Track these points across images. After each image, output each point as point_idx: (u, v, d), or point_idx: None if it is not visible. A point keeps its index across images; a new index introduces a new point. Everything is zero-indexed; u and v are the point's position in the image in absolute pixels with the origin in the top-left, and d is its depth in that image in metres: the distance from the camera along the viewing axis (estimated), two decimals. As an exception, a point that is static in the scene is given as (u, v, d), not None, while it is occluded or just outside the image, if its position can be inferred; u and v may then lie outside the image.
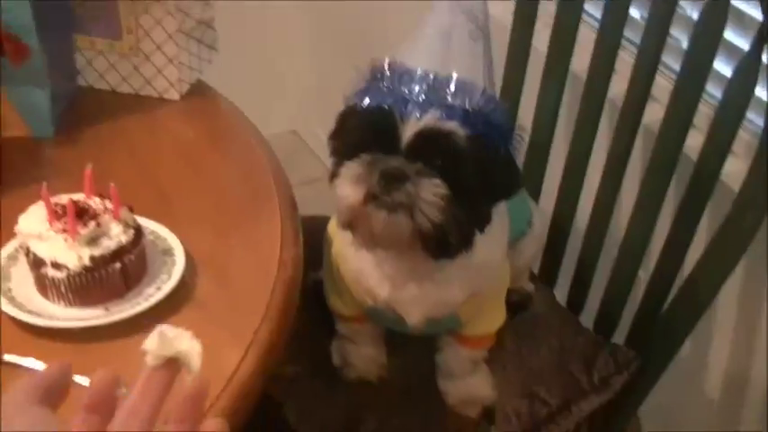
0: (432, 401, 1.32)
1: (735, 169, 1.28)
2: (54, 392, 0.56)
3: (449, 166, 1.04)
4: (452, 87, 1.06)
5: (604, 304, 1.44)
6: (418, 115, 1.04)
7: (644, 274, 1.37)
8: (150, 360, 0.56)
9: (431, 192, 1.02)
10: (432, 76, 1.07)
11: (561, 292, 1.53)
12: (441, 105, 1.05)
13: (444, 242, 1.05)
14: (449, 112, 1.04)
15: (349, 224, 1.08)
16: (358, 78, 1.12)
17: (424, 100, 1.06)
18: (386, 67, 1.10)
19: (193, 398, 0.56)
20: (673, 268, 1.30)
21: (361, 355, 1.35)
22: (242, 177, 1.28)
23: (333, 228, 1.26)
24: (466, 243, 1.08)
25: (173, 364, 0.56)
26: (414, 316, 1.19)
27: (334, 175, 1.09)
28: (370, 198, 1.03)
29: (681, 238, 1.28)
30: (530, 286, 1.49)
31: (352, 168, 1.05)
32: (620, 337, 1.42)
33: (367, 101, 1.09)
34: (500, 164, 1.09)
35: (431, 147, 1.04)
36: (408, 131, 1.04)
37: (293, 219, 1.19)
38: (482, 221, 1.10)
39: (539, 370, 1.36)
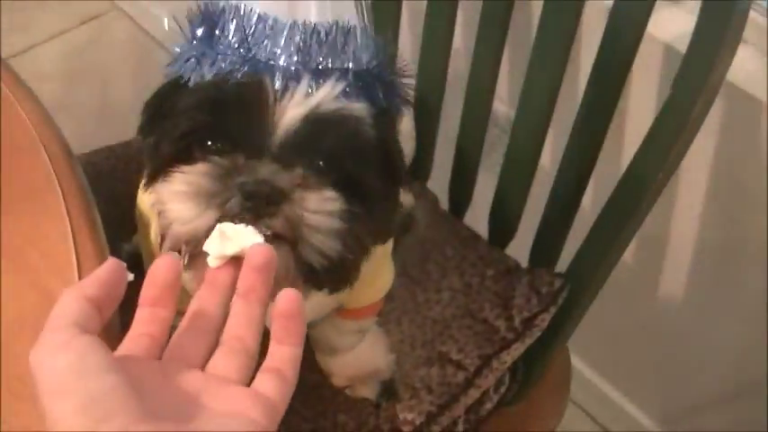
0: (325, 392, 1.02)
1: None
2: (102, 303, 0.52)
3: (346, 167, 0.71)
4: (335, 39, 0.72)
5: (503, 211, 1.14)
6: (300, 91, 0.70)
7: (550, 167, 1.08)
8: (212, 261, 0.59)
9: (322, 213, 0.69)
10: (301, 26, 0.72)
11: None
12: (328, 72, 0.72)
13: (340, 274, 0.73)
14: (343, 82, 0.72)
15: (186, 260, 0.71)
16: (179, 32, 0.76)
17: (297, 64, 0.71)
18: (227, 13, 0.74)
19: (260, 268, 0.56)
20: (586, 162, 1.01)
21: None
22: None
23: (145, 204, 0.91)
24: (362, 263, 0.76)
25: (235, 262, 0.58)
26: None
27: (153, 181, 0.74)
28: None
29: (593, 121, 0.99)
30: (408, 199, 1.17)
31: (192, 178, 0.69)
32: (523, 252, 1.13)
33: (206, 68, 0.73)
34: (397, 144, 0.78)
35: (321, 141, 0.70)
36: (285, 118, 0.70)
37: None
38: (387, 230, 0.79)
39: (443, 321, 1.05)
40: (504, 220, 1.14)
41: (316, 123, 0.70)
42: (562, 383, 1.15)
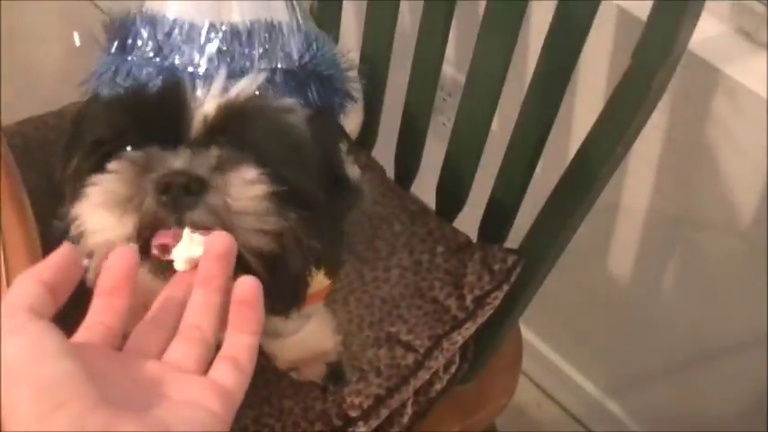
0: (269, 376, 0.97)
1: None
2: (57, 288, 0.51)
3: (273, 162, 0.66)
4: (258, 38, 0.68)
5: (451, 181, 1.09)
6: (217, 83, 0.67)
7: (502, 135, 1.03)
8: (180, 265, 0.59)
9: (247, 195, 0.64)
10: (220, 28, 0.68)
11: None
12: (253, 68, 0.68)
13: (286, 282, 0.69)
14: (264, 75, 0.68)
15: None
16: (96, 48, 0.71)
17: (219, 69, 0.68)
18: (139, 21, 0.69)
19: (220, 256, 0.56)
20: (540, 131, 0.97)
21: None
22: None
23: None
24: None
25: None
26: None
27: (72, 200, 0.68)
28: (147, 232, 0.63)
29: (548, 88, 0.94)
30: (355, 171, 1.12)
31: (105, 186, 0.64)
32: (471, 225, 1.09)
33: (120, 79, 0.69)
34: (337, 150, 0.74)
35: (241, 130, 0.66)
36: (201, 109, 0.66)
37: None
38: (335, 252, 0.74)
39: (392, 300, 1.01)
40: (452, 190, 1.10)
41: (234, 112, 0.66)
42: (514, 361, 1.12)
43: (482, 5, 0.97)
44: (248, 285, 0.55)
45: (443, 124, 1.44)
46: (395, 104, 1.15)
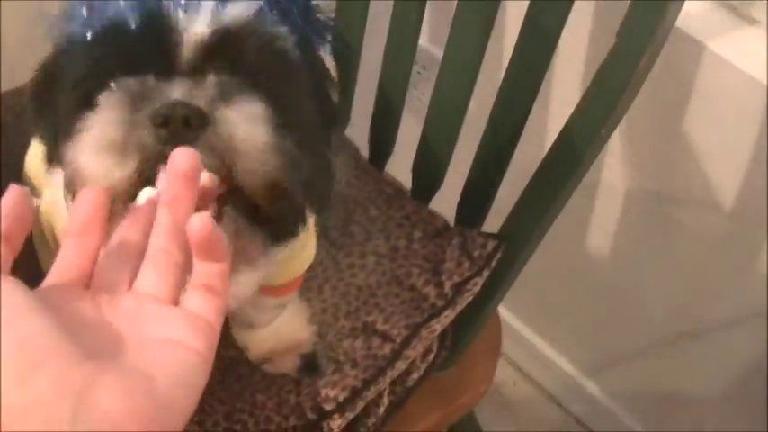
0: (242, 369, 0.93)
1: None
2: (12, 236, 0.48)
3: (269, 83, 0.63)
4: None
5: (428, 161, 1.05)
6: (206, 7, 0.63)
7: (479, 113, 1.00)
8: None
9: (249, 125, 0.60)
10: None
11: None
12: None
13: (287, 211, 0.65)
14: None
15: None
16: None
17: None
18: None
19: (185, 173, 0.52)
20: (520, 110, 0.93)
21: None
22: None
23: (34, 169, 0.80)
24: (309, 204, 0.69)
25: None
26: None
27: (54, 146, 0.66)
28: (147, 171, 0.59)
29: (529, 65, 0.91)
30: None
31: (98, 126, 0.60)
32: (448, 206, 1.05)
33: (96, 18, 0.64)
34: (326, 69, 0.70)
35: (237, 55, 0.63)
36: (193, 33, 0.62)
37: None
38: (327, 170, 0.71)
39: (368, 289, 0.97)
40: (429, 169, 1.06)
41: (228, 37, 0.62)
42: (493, 346, 1.09)
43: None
44: (201, 223, 0.50)
45: (418, 99, 1.40)
46: (368, 81, 1.11)
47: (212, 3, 0.62)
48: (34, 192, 0.81)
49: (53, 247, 0.80)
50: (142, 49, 0.62)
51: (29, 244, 0.81)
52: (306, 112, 0.67)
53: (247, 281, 0.73)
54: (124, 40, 0.62)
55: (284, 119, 0.62)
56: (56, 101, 0.66)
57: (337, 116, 0.73)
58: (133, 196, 0.58)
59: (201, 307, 0.51)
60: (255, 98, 0.61)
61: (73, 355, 0.45)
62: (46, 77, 0.68)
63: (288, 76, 0.65)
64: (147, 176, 0.59)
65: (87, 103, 0.61)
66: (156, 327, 0.49)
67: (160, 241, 0.52)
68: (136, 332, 0.49)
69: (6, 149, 0.93)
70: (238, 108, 0.60)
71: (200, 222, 0.49)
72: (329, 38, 0.78)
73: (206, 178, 0.58)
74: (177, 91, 0.60)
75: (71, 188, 0.62)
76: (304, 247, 0.84)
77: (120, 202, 0.59)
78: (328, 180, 0.74)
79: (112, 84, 0.61)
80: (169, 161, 0.53)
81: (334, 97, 0.73)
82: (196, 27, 0.62)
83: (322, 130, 0.71)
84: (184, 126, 0.58)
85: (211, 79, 0.61)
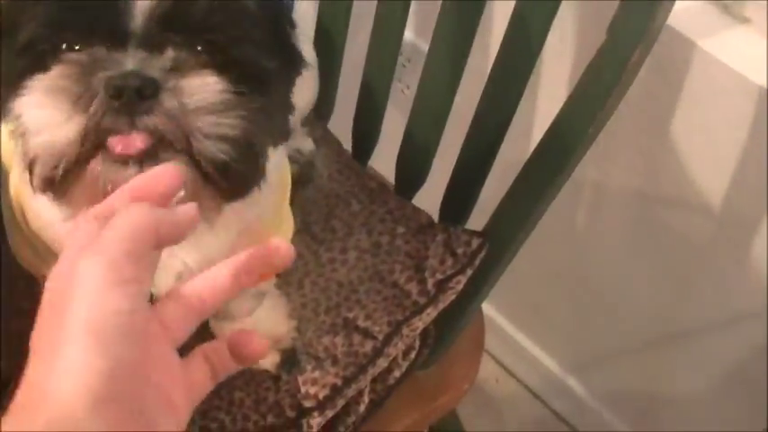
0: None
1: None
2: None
3: (225, 43, 0.62)
4: None
5: (412, 156, 1.04)
6: None
7: (465, 108, 0.98)
8: None
9: (204, 95, 0.59)
10: None
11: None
12: None
13: (238, 174, 0.62)
14: None
15: (53, 185, 0.61)
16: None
17: None
18: None
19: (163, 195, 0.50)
20: (507, 104, 0.92)
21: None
22: None
23: (5, 149, 0.77)
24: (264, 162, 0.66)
25: None
26: (166, 281, 0.73)
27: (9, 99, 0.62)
28: (95, 137, 0.58)
29: (516, 59, 0.89)
30: (308, 145, 1.06)
31: (48, 83, 0.59)
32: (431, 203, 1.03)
33: None
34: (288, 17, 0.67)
35: (190, 15, 0.61)
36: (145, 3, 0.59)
37: None
38: (284, 127, 0.69)
39: (349, 284, 0.95)
40: (413, 164, 1.04)
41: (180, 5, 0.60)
42: (476, 345, 1.07)
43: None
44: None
45: (402, 92, 1.39)
46: (352, 74, 1.09)
47: None
48: (5, 170, 0.79)
49: (23, 228, 0.78)
50: (96, 13, 0.60)
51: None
52: (262, 57, 0.65)
53: (213, 243, 0.73)
54: (73, 5, 0.60)
55: (240, 77, 0.61)
56: (5, 55, 0.64)
57: (299, 61, 0.71)
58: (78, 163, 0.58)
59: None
60: (209, 63, 0.60)
61: (137, 401, 0.44)
62: None
63: (241, 25, 0.63)
64: (92, 144, 0.58)
65: (38, 65, 0.60)
66: (160, 371, 0.48)
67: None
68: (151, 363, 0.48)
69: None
70: (192, 79, 0.59)
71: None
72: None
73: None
74: (131, 61, 0.59)
75: (20, 144, 0.61)
76: (276, 229, 0.82)
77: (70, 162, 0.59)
78: (287, 120, 0.72)
79: (64, 53, 0.60)
80: (151, 176, 0.51)
81: (298, 43, 0.71)
82: None
83: (281, 69, 0.68)
84: (138, 96, 0.57)
85: (168, 52, 0.60)
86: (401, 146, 1.05)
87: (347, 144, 1.11)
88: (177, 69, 0.60)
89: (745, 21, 1.01)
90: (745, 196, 1.07)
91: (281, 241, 0.53)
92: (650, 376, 1.38)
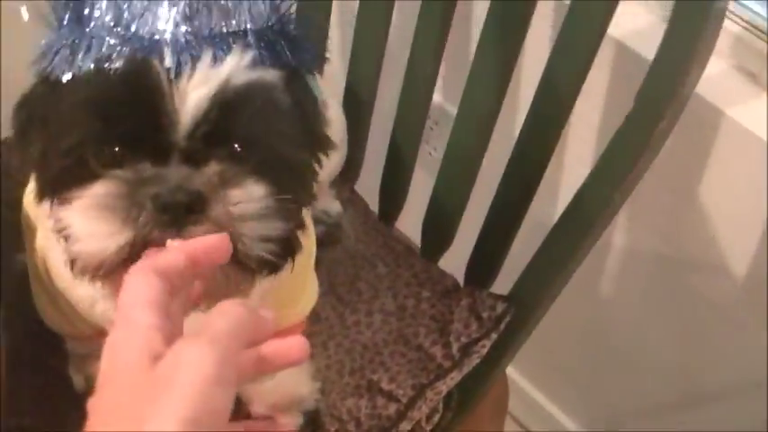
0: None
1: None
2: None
3: (265, 145, 0.63)
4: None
5: (439, 218, 1.04)
6: (202, 65, 0.61)
7: (492, 172, 0.98)
8: None
9: (251, 207, 0.60)
10: None
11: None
12: (224, 37, 0.63)
13: (276, 264, 0.64)
14: (251, 49, 0.63)
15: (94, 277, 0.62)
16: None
17: (187, 35, 0.61)
18: None
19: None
20: (534, 169, 0.92)
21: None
22: None
23: (32, 206, 0.78)
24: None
25: None
26: None
27: (44, 197, 0.65)
28: (141, 245, 0.59)
29: (544, 124, 0.90)
30: (335, 207, 1.06)
31: (96, 200, 0.60)
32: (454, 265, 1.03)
33: (80, 57, 0.62)
34: (315, 106, 0.69)
35: (234, 123, 0.61)
36: (189, 102, 0.59)
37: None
38: (309, 197, 0.70)
39: (374, 347, 0.95)
40: (439, 227, 1.05)
41: (226, 103, 0.60)
42: (500, 408, 1.07)
43: (475, 30, 0.92)
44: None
45: (430, 154, 1.39)
46: (380, 136, 1.10)
47: (207, 61, 0.61)
48: (31, 229, 0.80)
49: (46, 283, 0.79)
50: (138, 129, 0.60)
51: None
52: (297, 154, 0.67)
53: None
54: (114, 110, 0.61)
55: (276, 171, 0.63)
56: (46, 148, 0.65)
57: (326, 142, 0.72)
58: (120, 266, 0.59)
59: None
60: (249, 173, 0.61)
61: None
62: (29, 113, 0.67)
63: (278, 131, 0.64)
64: (137, 251, 0.59)
65: (81, 173, 0.61)
66: None
67: None
68: None
69: (8, 187, 0.93)
70: (235, 190, 0.60)
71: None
72: (319, 66, 0.77)
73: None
74: (176, 176, 0.60)
75: (70, 251, 0.61)
76: (302, 293, 0.82)
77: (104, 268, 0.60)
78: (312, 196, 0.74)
79: (109, 168, 0.60)
80: (209, 244, 0.55)
81: (323, 122, 0.73)
82: (189, 97, 0.60)
83: (311, 156, 0.70)
84: (185, 210, 0.59)
85: (213, 166, 0.61)
86: (428, 208, 1.05)
87: (374, 206, 1.11)
88: (221, 179, 0.61)
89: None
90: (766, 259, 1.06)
91: (296, 339, 0.53)
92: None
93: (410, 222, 1.11)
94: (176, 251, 0.53)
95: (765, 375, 1.14)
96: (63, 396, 0.91)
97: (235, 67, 0.61)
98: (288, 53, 0.67)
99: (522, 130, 0.92)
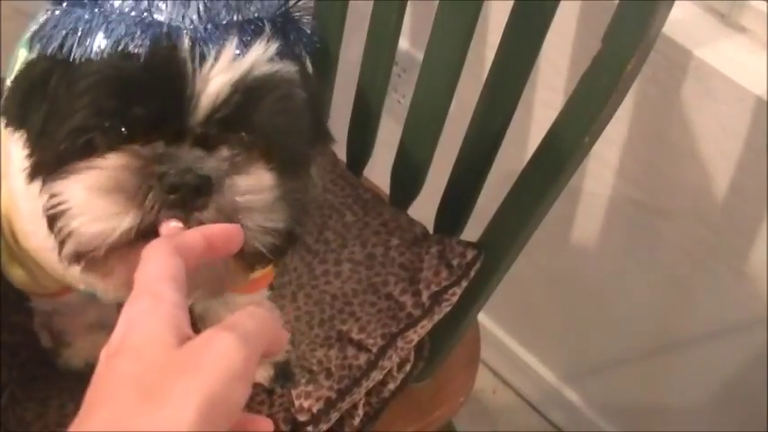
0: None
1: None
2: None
3: (278, 138, 0.63)
4: None
5: (407, 166, 1.03)
6: (226, 54, 0.61)
7: (460, 117, 0.96)
8: None
9: (257, 196, 0.61)
10: None
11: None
12: (242, 27, 0.63)
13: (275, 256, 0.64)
14: (275, 40, 0.64)
15: (87, 260, 0.61)
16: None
17: (205, 23, 0.62)
18: None
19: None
20: (503, 114, 0.91)
21: (86, 326, 0.89)
22: None
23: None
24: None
25: None
26: None
27: (41, 174, 0.64)
28: (147, 226, 0.59)
29: (512, 67, 0.88)
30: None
31: (106, 173, 0.59)
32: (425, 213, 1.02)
33: (99, 39, 0.61)
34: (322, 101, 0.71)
35: (251, 113, 0.62)
36: (210, 88, 0.59)
37: None
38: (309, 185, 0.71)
39: (343, 297, 0.94)
40: (408, 175, 1.03)
41: (247, 92, 0.60)
42: (471, 357, 1.06)
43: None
44: None
45: (398, 102, 1.38)
46: (346, 84, 1.08)
47: (232, 50, 0.60)
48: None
49: (10, 243, 0.77)
50: (153, 103, 0.60)
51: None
52: (306, 150, 0.68)
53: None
54: (133, 90, 0.60)
55: (287, 170, 0.63)
56: (50, 126, 0.63)
57: (327, 137, 0.74)
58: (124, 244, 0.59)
59: None
60: (259, 162, 0.62)
61: None
62: (31, 88, 0.65)
63: (292, 125, 0.64)
64: (142, 232, 0.59)
65: (87, 149, 0.60)
66: None
67: None
68: None
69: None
70: (245, 178, 0.61)
71: None
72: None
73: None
74: (188, 158, 0.59)
75: (55, 221, 0.61)
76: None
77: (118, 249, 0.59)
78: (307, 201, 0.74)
79: (122, 142, 0.60)
80: (226, 233, 0.55)
81: (327, 116, 0.74)
82: (211, 84, 0.59)
83: (313, 153, 0.71)
84: (194, 193, 0.59)
85: (225, 151, 0.61)
86: (396, 157, 1.04)
87: (341, 155, 1.10)
88: (232, 165, 0.61)
89: (742, 30, 1.00)
90: (744, 205, 1.06)
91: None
92: (647, 386, 1.37)
93: (379, 171, 1.10)
94: (197, 233, 0.53)
95: (743, 322, 1.15)
96: (29, 352, 0.90)
97: (258, 57, 0.61)
98: (300, 45, 0.68)
99: (489, 74, 0.91)
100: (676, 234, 1.16)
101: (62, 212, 0.60)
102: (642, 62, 0.79)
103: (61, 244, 0.61)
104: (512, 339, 1.55)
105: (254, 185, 0.61)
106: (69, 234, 0.60)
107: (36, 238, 0.72)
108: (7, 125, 0.67)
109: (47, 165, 0.63)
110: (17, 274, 0.81)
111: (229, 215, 0.60)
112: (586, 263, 1.31)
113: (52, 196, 0.60)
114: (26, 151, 0.66)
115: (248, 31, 0.63)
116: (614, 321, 1.34)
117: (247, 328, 0.47)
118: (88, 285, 0.75)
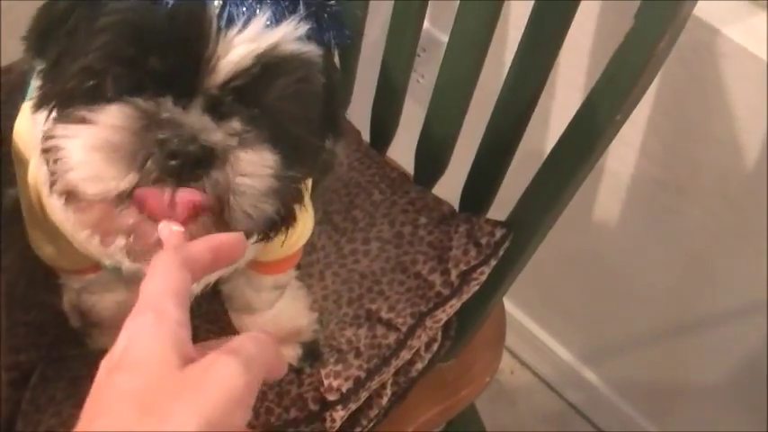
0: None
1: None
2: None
3: (289, 122, 0.62)
4: None
5: (432, 145, 1.02)
6: (257, 23, 0.59)
7: (486, 96, 0.96)
8: None
9: (254, 182, 0.59)
10: None
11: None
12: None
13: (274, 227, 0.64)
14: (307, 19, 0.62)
15: (89, 222, 0.61)
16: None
17: None
18: None
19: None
20: (530, 91, 0.90)
21: (115, 304, 0.89)
22: None
23: (23, 137, 0.76)
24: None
25: None
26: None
27: (44, 106, 0.63)
28: (140, 185, 0.59)
29: (540, 46, 0.87)
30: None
31: (106, 130, 0.57)
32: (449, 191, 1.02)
33: None
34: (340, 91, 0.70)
35: (268, 89, 0.60)
36: (232, 54, 0.58)
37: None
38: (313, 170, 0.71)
39: (372, 276, 0.94)
40: (432, 154, 1.03)
41: (268, 66, 0.59)
42: (497, 337, 1.06)
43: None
44: None
45: (417, 81, 1.37)
46: (370, 63, 1.08)
47: (263, 20, 0.59)
48: (23, 162, 0.78)
49: (40, 218, 0.77)
50: (168, 56, 0.58)
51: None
52: (316, 137, 0.66)
53: None
54: (150, 38, 0.58)
55: (290, 158, 0.62)
56: (64, 59, 0.62)
57: (341, 128, 0.72)
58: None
59: None
60: (267, 142, 0.60)
61: None
62: (53, 19, 0.63)
63: (305, 111, 0.63)
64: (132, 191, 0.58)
65: (95, 92, 0.59)
66: None
67: None
68: None
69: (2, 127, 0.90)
70: (250, 155, 0.59)
71: None
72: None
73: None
74: (194, 124, 0.58)
75: (52, 162, 0.60)
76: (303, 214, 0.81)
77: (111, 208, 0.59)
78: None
79: (127, 93, 0.59)
80: (232, 243, 0.54)
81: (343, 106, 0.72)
82: (234, 50, 0.58)
83: (323, 142, 0.69)
84: (194, 163, 0.57)
85: (232, 116, 0.59)
86: (420, 136, 1.03)
87: (365, 134, 1.09)
88: (238, 141, 0.59)
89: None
90: (764, 186, 1.06)
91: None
92: (665, 366, 1.38)
93: (401, 150, 1.10)
94: (203, 247, 0.52)
95: (765, 302, 1.15)
96: (58, 332, 0.90)
97: (287, 34, 0.60)
98: (330, 32, 0.66)
99: (515, 55, 0.90)
100: (699, 213, 1.15)
101: (59, 159, 0.59)
102: (675, 39, 0.79)
103: (53, 180, 0.60)
104: (530, 320, 1.55)
105: (256, 169, 0.59)
106: (64, 180, 0.59)
107: (62, 210, 0.72)
108: (26, 51, 0.66)
109: (52, 98, 0.62)
110: (47, 251, 0.81)
111: (221, 195, 0.58)
112: (607, 243, 1.31)
113: (51, 137, 0.59)
114: (38, 82, 0.65)
115: (282, 6, 0.61)
116: (633, 301, 1.34)
117: (250, 353, 0.47)
118: (114, 261, 0.75)
